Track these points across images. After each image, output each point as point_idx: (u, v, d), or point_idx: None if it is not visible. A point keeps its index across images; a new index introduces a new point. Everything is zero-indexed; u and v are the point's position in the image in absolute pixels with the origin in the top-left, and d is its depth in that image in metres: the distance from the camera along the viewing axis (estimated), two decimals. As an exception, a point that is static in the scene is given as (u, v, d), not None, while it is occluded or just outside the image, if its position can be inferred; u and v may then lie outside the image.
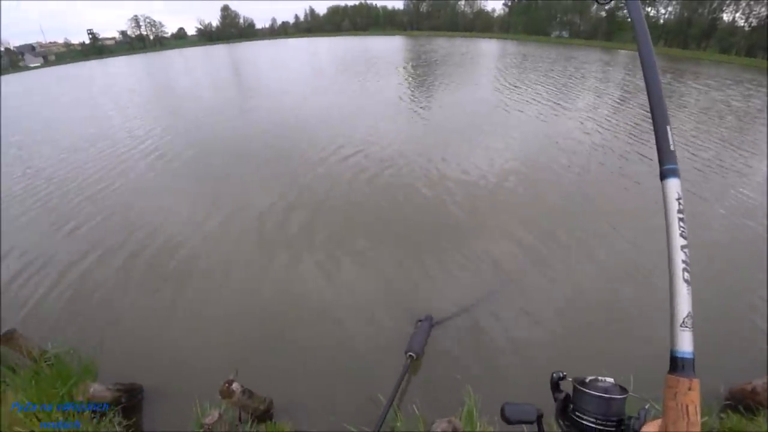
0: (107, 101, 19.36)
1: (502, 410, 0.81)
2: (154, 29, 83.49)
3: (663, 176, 0.74)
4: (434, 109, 13.26)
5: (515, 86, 17.08)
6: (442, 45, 43.30)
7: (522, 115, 12.19)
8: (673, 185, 0.72)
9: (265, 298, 4.46)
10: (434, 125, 11.35)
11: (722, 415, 2.87)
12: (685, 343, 0.64)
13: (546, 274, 4.75)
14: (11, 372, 3.10)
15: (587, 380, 0.73)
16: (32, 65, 67.70)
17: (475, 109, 13.06)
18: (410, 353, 3.38)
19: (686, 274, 0.66)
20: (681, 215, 0.70)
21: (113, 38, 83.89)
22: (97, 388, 2.97)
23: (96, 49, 76.28)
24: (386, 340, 3.74)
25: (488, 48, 40.15)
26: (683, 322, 0.64)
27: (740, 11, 48.93)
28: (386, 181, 7.48)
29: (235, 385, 2.71)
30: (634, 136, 9.91)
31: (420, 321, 3.83)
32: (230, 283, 4.76)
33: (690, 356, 0.63)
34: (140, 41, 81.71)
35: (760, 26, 45.49)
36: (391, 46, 43.86)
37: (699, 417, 0.58)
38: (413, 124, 11.59)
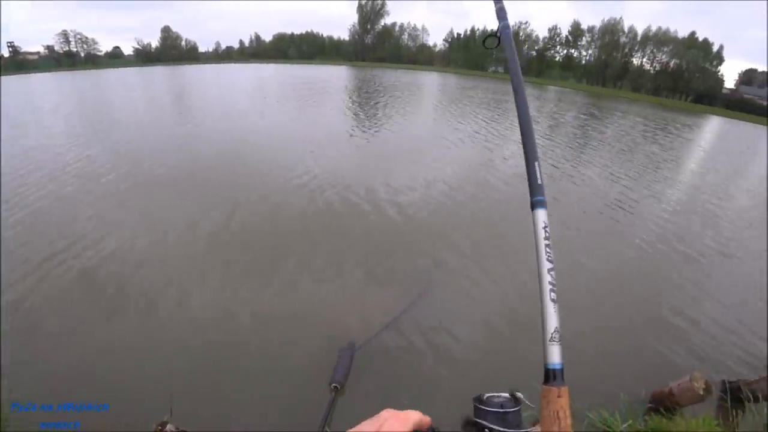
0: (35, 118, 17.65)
1: None
2: (85, 46, 78.17)
3: (533, 207, 0.79)
4: (371, 137, 13.64)
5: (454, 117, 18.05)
6: (379, 75, 44.94)
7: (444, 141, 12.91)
8: (541, 215, 0.77)
9: (197, 328, 4.15)
10: (367, 151, 11.71)
11: (646, 417, 3.12)
12: (555, 356, 0.67)
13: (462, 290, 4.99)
14: None
15: (485, 397, 0.68)
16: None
17: (409, 138, 13.63)
18: (334, 384, 3.34)
19: (553, 294, 0.70)
20: (548, 241, 0.75)
21: (37, 53, 77.42)
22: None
23: (16, 63, 69.77)
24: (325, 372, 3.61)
25: (429, 80, 42.26)
26: (551, 336, 0.67)
27: (646, 57, 57.50)
28: (319, 203, 7.53)
29: (169, 427, 2.50)
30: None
31: (341, 349, 3.76)
32: (158, 313, 4.40)
33: (559, 367, 0.67)
34: (69, 58, 76.07)
35: (663, 71, 54.31)
36: (335, 75, 44.67)
37: (569, 420, 0.63)
38: (345, 148, 11.87)
